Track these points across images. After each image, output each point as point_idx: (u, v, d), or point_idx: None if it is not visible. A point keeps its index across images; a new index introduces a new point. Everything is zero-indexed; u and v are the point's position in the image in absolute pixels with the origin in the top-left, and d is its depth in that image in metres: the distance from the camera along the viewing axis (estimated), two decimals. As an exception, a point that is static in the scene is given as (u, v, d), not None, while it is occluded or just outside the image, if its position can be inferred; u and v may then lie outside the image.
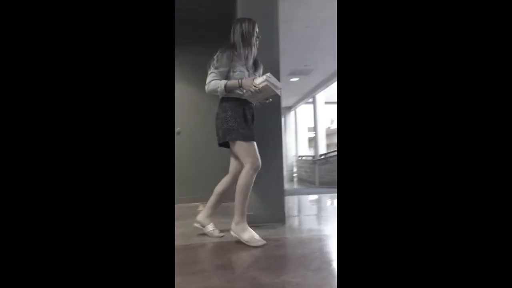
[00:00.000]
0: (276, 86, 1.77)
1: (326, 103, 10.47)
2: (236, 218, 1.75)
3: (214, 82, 1.76)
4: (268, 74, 1.74)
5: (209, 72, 1.79)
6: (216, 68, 1.76)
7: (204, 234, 1.97)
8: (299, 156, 12.29)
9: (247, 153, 1.75)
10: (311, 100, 10.09)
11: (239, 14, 2.36)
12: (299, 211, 3.16)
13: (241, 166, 1.80)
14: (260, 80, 1.74)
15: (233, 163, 1.90)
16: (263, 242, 1.69)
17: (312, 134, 11.27)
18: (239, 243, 1.74)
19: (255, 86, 1.71)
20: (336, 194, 4.54)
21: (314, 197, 4.42)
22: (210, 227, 1.95)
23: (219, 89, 1.74)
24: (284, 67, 4.61)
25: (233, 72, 1.79)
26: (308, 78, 7.95)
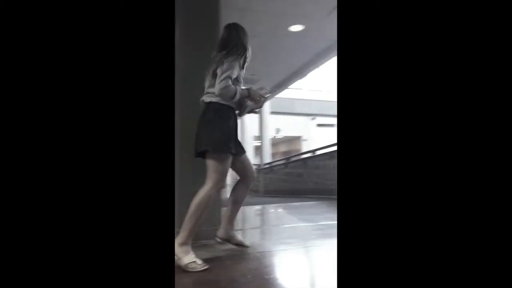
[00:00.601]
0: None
1: (272, 113, 10.62)
2: (181, 238, 1.54)
3: (233, 87, 1.60)
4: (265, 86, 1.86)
5: (222, 76, 1.59)
6: (231, 73, 1.61)
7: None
8: (245, 165, 12.23)
9: (218, 169, 1.60)
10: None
11: (179, 21, 2.23)
12: (242, 223, 3.05)
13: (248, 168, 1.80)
14: (265, 91, 1.78)
15: (241, 168, 1.82)
16: (206, 266, 1.50)
17: (258, 143, 11.33)
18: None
19: (262, 96, 1.73)
20: (279, 204, 4.56)
21: (259, 207, 4.37)
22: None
23: (236, 95, 1.62)
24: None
25: (237, 81, 1.67)
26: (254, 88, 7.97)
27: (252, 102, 1.78)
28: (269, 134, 10.67)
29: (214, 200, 1.67)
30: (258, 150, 10.96)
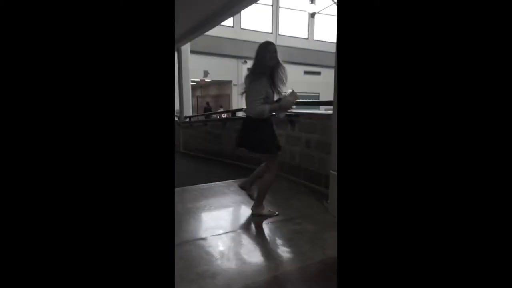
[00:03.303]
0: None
1: (194, 52, 9.17)
2: (257, 203, 2.45)
3: (261, 108, 2.12)
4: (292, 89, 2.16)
5: (254, 99, 2.13)
6: (259, 95, 2.12)
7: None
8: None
9: (275, 163, 2.40)
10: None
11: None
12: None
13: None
14: (293, 96, 2.16)
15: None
16: (277, 212, 2.49)
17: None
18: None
19: (292, 103, 2.21)
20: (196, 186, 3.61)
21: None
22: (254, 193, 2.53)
23: (265, 112, 2.14)
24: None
25: (267, 97, 2.15)
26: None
27: (283, 109, 2.21)
28: (192, 77, 9.30)
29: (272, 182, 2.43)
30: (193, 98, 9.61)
